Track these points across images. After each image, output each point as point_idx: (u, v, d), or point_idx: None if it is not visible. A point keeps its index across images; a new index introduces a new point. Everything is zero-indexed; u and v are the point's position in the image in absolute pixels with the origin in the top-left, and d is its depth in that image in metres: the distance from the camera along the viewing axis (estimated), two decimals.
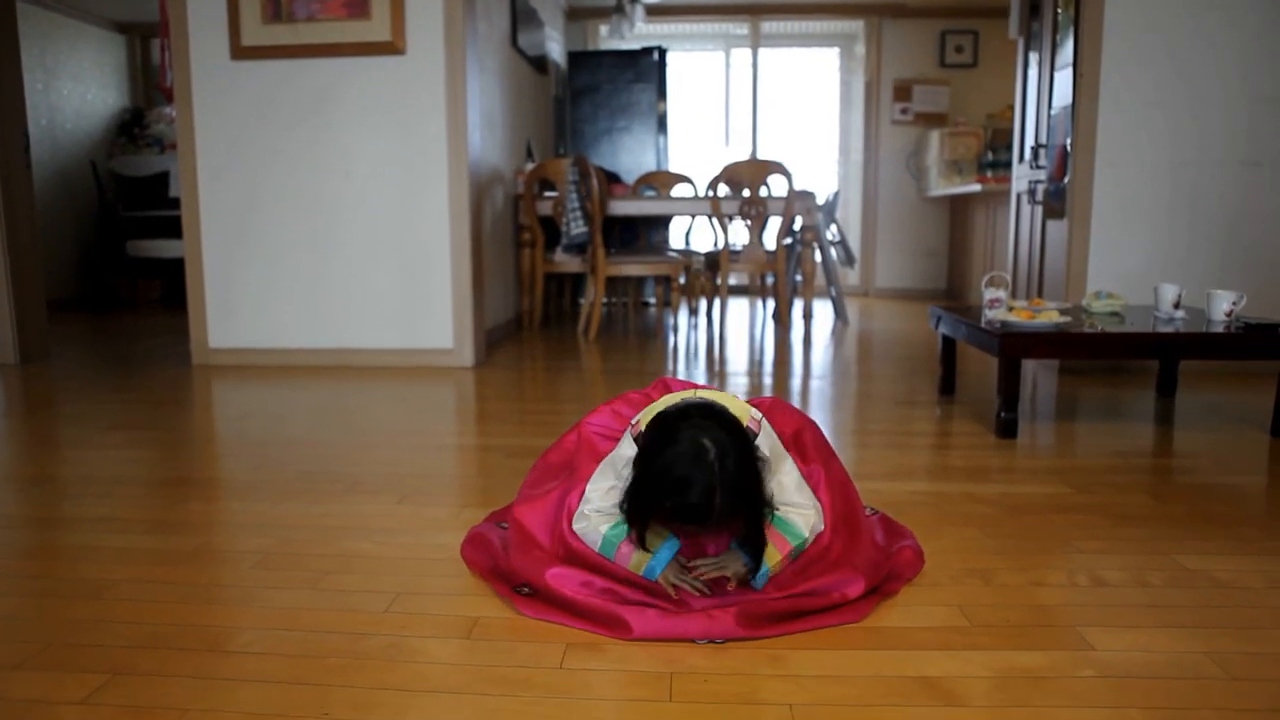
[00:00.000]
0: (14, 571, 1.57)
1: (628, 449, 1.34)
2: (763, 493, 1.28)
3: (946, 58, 7.20)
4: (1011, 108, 6.31)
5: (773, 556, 1.32)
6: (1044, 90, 3.91)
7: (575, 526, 1.38)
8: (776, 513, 1.34)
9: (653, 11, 6.68)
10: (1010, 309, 2.79)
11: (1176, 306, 2.82)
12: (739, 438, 1.27)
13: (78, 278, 6.71)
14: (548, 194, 4.92)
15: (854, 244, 7.36)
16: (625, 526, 1.31)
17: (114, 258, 6.67)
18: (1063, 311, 2.83)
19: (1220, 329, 2.57)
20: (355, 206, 3.69)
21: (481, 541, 1.59)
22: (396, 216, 3.68)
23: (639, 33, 6.79)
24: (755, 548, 1.29)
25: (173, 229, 6.31)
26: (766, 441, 1.36)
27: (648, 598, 1.31)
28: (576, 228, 4.56)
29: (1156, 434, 2.61)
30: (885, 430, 2.63)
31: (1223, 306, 2.67)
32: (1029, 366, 3.69)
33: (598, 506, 1.36)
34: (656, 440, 1.27)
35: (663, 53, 6.61)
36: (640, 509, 1.26)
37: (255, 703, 1.12)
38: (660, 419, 1.30)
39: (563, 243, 4.68)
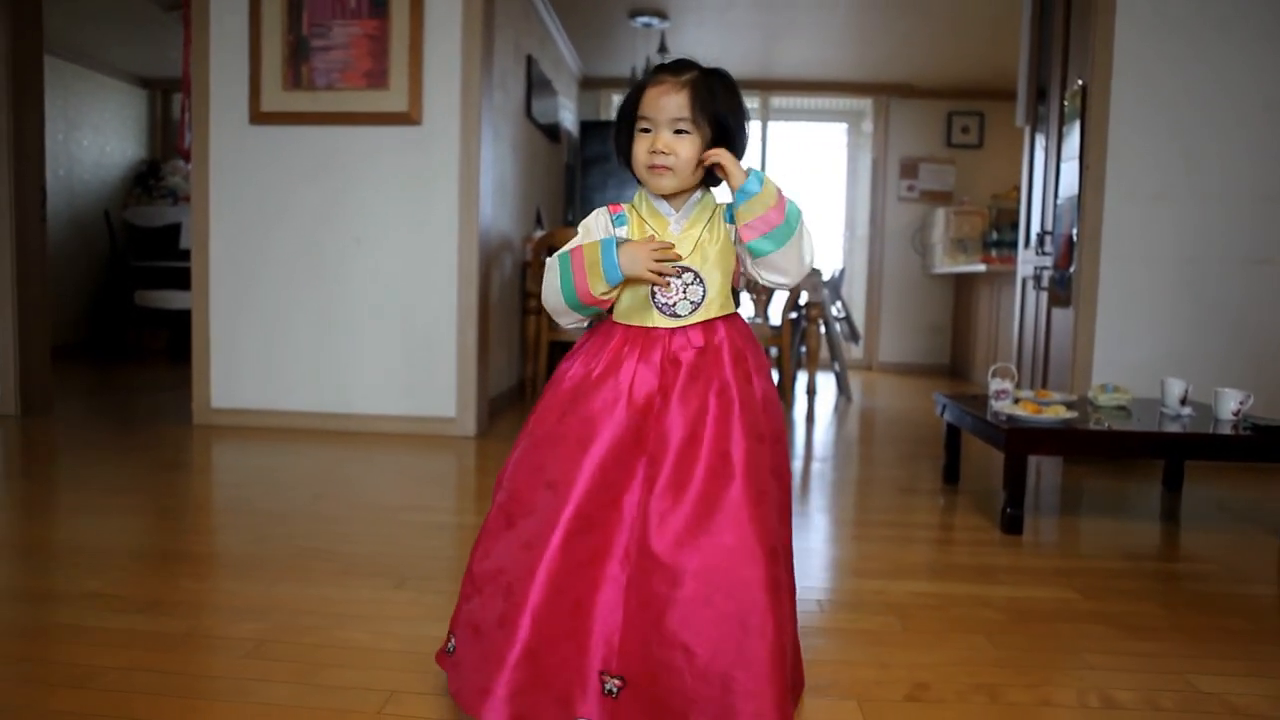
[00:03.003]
0: (1, 653, 1.54)
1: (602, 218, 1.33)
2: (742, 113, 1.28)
3: (953, 138, 7.32)
4: (1016, 188, 6.39)
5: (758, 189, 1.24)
6: (1050, 179, 3.96)
7: (549, 260, 1.31)
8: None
9: None
10: (1016, 401, 2.78)
11: (1183, 403, 2.81)
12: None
13: (85, 325, 6.74)
14: None
15: (858, 318, 7.39)
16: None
17: (122, 306, 6.70)
18: (1069, 405, 2.82)
19: (1228, 429, 2.55)
20: (364, 272, 3.71)
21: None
22: (404, 283, 3.70)
23: None
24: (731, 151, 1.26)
25: (181, 280, 6.35)
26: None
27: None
28: None
29: (1164, 533, 2.58)
30: (887, 521, 2.60)
31: (1230, 406, 2.67)
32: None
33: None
34: None
35: None
36: (623, 113, 1.30)
37: None
38: None
39: None
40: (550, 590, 1.18)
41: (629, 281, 1.26)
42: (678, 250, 1.26)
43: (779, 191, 1.24)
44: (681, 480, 1.19)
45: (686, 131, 1.24)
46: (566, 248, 1.30)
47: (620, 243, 1.25)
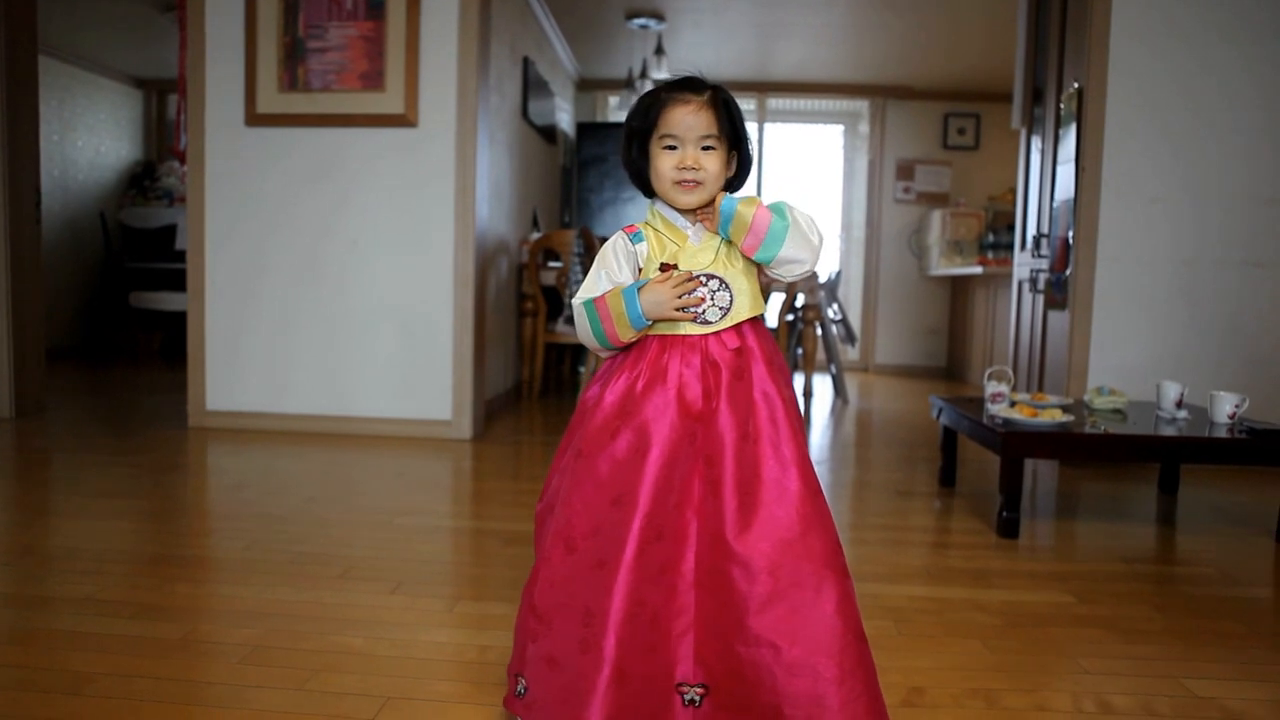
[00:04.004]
0: None
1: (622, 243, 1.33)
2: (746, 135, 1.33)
3: (949, 139, 7.33)
4: (1012, 191, 6.40)
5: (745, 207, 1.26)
6: (1046, 181, 3.96)
7: (574, 310, 1.33)
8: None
9: None
10: (1012, 404, 2.78)
11: (1179, 405, 2.81)
12: None
13: (79, 326, 6.72)
14: (552, 264, 4.95)
15: (855, 320, 7.39)
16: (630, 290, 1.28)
17: (116, 308, 6.69)
18: (1065, 409, 2.82)
19: (1224, 433, 2.56)
20: (360, 273, 3.71)
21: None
22: (401, 285, 3.70)
23: None
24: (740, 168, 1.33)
25: (176, 282, 6.34)
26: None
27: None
28: None
29: (1159, 536, 2.58)
30: (884, 525, 2.60)
31: (1226, 409, 2.67)
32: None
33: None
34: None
35: None
36: (636, 129, 1.30)
37: None
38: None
39: (565, 314, 4.70)
40: (630, 605, 1.18)
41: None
42: (700, 259, 1.29)
43: (752, 199, 1.27)
44: (745, 479, 1.21)
45: (713, 147, 1.28)
46: (588, 289, 1.32)
47: (640, 287, 1.27)
